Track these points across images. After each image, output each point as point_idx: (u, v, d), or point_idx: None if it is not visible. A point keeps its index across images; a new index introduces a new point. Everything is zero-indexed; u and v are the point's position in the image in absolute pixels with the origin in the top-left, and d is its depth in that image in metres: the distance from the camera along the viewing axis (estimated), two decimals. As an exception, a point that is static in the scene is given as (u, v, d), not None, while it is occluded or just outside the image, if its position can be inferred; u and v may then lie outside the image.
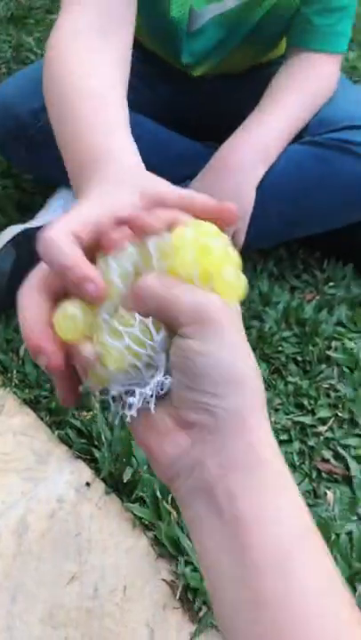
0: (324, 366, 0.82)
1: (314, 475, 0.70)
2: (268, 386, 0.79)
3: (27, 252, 0.85)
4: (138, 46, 0.95)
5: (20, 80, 0.88)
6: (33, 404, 0.74)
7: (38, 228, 0.88)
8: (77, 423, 0.71)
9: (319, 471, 0.70)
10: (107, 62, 0.52)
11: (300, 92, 0.87)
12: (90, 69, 0.51)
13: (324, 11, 0.86)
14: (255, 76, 1.00)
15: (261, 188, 0.86)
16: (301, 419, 0.75)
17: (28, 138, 0.85)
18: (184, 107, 1.04)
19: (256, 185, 0.82)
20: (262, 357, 0.82)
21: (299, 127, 0.86)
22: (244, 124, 0.84)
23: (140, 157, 0.42)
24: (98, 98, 0.47)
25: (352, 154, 0.84)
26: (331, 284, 0.96)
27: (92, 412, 0.72)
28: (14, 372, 0.77)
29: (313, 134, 0.87)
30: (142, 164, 0.41)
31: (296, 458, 0.71)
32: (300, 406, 0.77)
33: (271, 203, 0.87)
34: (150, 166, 0.98)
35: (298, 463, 0.71)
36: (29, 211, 0.99)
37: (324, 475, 0.70)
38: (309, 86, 0.88)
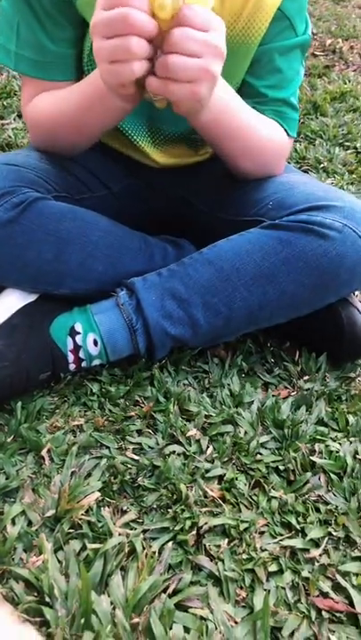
0: (309, 475, 0.72)
1: (313, 615, 0.58)
2: (250, 504, 0.69)
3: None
4: (99, 149, 0.93)
5: None
6: (-29, 550, 0.61)
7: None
8: (25, 573, 0.58)
9: (319, 610, 0.59)
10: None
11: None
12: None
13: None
14: (211, 167, 0.98)
15: (225, 274, 0.81)
16: (291, 542, 0.65)
17: None
18: (139, 201, 1.01)
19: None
20: (240, 469, 0.73)
21: (254, 135, 0.87)
22: None
23: None
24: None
25: (315, 234, 0.80)
26: (306, 377, 0.88)
27: (43, 556, 0.60)
28: None
29: (273, 218, 0.84)
30: None
31: (290, 595, 0.60)
32: (287, 526, 0.67)
33: (236, 290, 0.82)
34: (108, 263, 0.91)
35: (293, 601, 0.59)
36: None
37: (324, 614, 0.58)
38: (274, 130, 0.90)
